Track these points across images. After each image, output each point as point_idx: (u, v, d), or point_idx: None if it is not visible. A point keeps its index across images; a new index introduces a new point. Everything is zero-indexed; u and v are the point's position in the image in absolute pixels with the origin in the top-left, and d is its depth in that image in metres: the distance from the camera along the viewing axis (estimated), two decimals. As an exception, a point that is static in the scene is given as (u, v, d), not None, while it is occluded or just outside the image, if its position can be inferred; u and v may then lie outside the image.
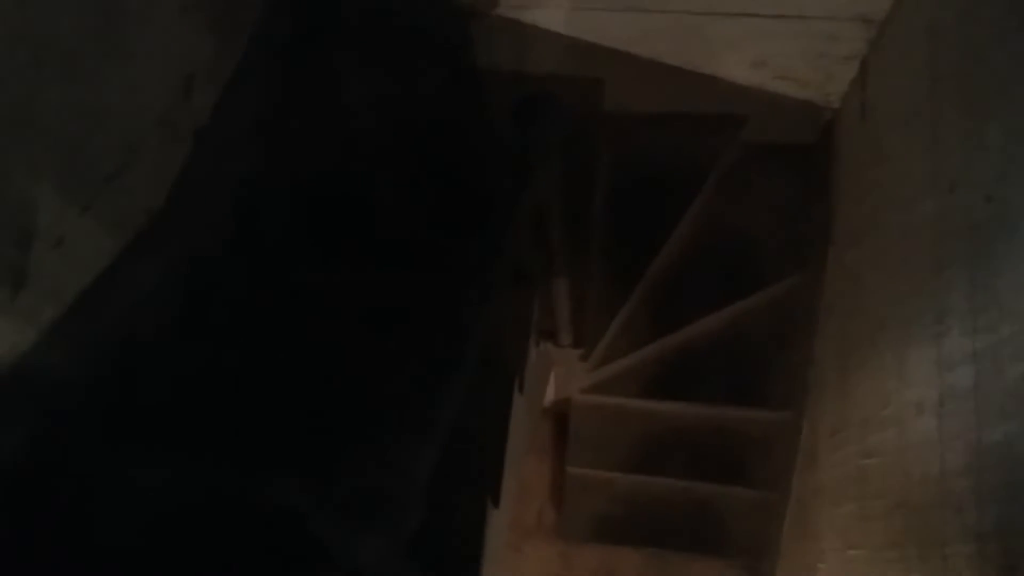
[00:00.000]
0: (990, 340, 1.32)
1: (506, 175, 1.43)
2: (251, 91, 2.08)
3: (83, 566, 0.99)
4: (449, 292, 1.16)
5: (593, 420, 2.75)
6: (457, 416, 0.98)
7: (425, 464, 0.84)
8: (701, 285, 2.62)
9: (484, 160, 1.91)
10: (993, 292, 1.32)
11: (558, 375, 2.74)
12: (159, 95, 1.82)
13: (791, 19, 2.16)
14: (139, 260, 1.68)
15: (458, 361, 0.99)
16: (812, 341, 2.40)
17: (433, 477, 1.01)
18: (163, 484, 1.17)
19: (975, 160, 1.44)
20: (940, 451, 1.48)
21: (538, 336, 2.23)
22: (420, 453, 0.84)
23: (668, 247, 2.60)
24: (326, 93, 2.20)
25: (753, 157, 2.64)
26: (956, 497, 1.41)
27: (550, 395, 2.86)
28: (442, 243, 1.63)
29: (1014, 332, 1.25)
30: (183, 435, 1.29)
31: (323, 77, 2.23)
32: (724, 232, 2.66)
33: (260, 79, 2.12)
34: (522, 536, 2.96)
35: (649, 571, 2.89)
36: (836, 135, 2.43)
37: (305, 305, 1.62)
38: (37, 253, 1.45)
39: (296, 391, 1.33)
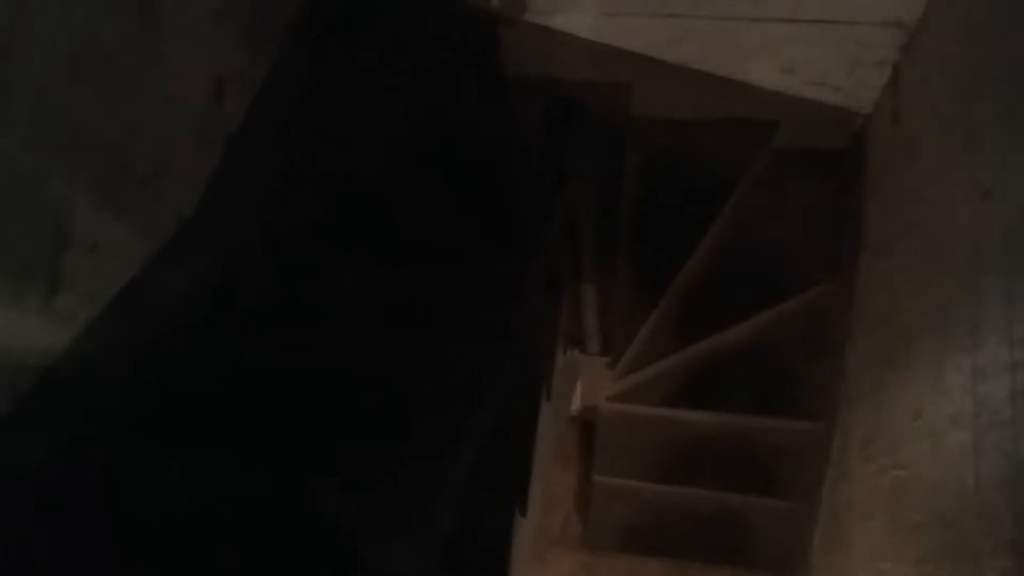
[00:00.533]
0: (1028, 351, 1.30)
1: (538, 181, 1.43)
2: (282, 98, 2.11)
3: (120, 565, 1.00)
4: (485, 296, 1.16)
5: (620, 428, 2.74)
6: (490, 421, 0.97)
7: (460, 470, 0.84)
8: (730, 293, 2.60)
9: (515, 166, 1.91)
10: (1031, 302, 1.29)
11: (585, 382, 2.72)
12: (192, 101, 1.84)
13: (822, 24, 2.14)
14: (172, 264, 1.70)
15: (494, 366, 0.99)
16: (844, 350, 2.36)
17: (465, 481, 1.01)
18: (199, 485, 1.18)
19: (1012, 168, 1.41)
20: (975, 464, 1.45)
21: (566, 343, 2.22)
22: (455, 459, 0.84)
23: (697, 254, 2.58)
24: (357, 99, 2.21)
25: (784, 163, 2.62)
26: (992, 510, 1.38)
27: (576, 403, 2.85)
28: (477, 248, 1.63)
29: (1053, 343, 1.23)
30: (218, 436, 1.30)
31: (354, 83, 2.25)
32: (754, 239, 2.63)
33: (291, 86, 2.14)
34: (547, 545, 2.94)
35: (676, 582, 2.86)
36: (868, 141, 2.40)
37: (340, 308, 1.63)
38: (72, 257, 1.47)
39: (331, 393, 1.34)
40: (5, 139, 1.29)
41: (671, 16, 2.21)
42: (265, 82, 2.06)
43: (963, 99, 1.66)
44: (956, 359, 1.56)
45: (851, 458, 2.21)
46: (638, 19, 2.24)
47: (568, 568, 2.94)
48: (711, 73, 2.38)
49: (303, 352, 1.47)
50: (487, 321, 1.10)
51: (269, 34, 2.12)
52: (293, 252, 1.81)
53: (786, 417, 2.56)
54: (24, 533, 1.09)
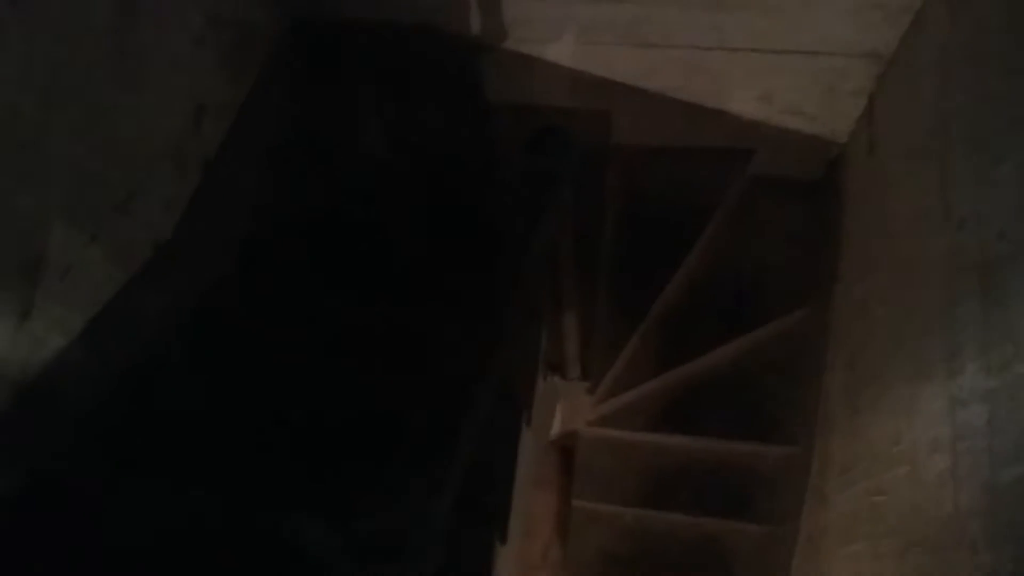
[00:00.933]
0: (1005, 378, 1.31)
1: (520, 209, 1.43)
2: (262, 124, 2.10)
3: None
4: (466, 327, 1.15)
5: (599, 453, 2.73)
6: (472, 455, 0.96)
7: (443, 506, 0.83)
8: (708, 319, 2.61)
9: (497, 194, 1.91)
10: (1007, 329, 1.31)
11: (564, 408, 2.72)
12: (170, 126, 1.83)
13: (799, 55, 2.17)
14: (147, 290, 1.68)
15: (475, 398, 0.98)
16: (821, 376, 2.38)
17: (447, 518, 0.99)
18: (175, 517, 1.16)
19: (987, 197, 1.43)
20: (954, 490, 1.46)
21: (545, 369, 2.22)
22: (439, 495, 0.83)
23: (675, 280, 2.59)
24: (338, 126, 2.21)
25: (760, 191, 2.65)
26: (970, 537, 1.39)
27: (556, 428, 2.84)
28: (457, 277, 1.62)
29: (1028, 370, 1.24)
30: (195, 467, 1.27)
31: (335, 111, 2.24)
32: (731, 266, 2.65)
33: (271, 112, 2.14)
34: (528, 571, 2.92)
35: (655, 608, 2.84)
36: (843, 170, 2.43)
37: (317, 339, 1.61)
38: (45, 282, 1.45)
39: (310, 427, 1.32)
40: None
41: (649, 46, 2.23)
42: (245, 109, 2.05)
43: (937, 129, 1.69)
44: (933, 386, 1.57)
45: (829, 483, 2.22)
46: (617, 48, 2.26)
47: (547, 596, 2.91)
48: (689, 101, 2.41)
49: (282, 384, 1.45)
50: (468, 352, 1.09)
51: (249, 62, 2.11)
52: (272, 281, 1.79)
53: (764, 442, 2.56)
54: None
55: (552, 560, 2.95)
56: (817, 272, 2.48)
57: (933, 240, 1.64)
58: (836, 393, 2.27)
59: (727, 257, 2.64)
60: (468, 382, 1.01)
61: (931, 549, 1.54)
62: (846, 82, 2.21)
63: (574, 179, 1.55)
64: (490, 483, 1.58)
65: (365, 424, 1.33)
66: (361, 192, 2.04)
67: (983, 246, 1.42)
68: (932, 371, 1.58)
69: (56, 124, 1.46)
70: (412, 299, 1.68)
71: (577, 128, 2.38)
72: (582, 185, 1.83)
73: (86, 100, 1.54)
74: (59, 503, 1.21)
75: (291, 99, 2.24)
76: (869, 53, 2.09)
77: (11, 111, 1.35)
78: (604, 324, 2.52)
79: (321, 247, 1.93)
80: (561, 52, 2.32)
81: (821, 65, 2.17)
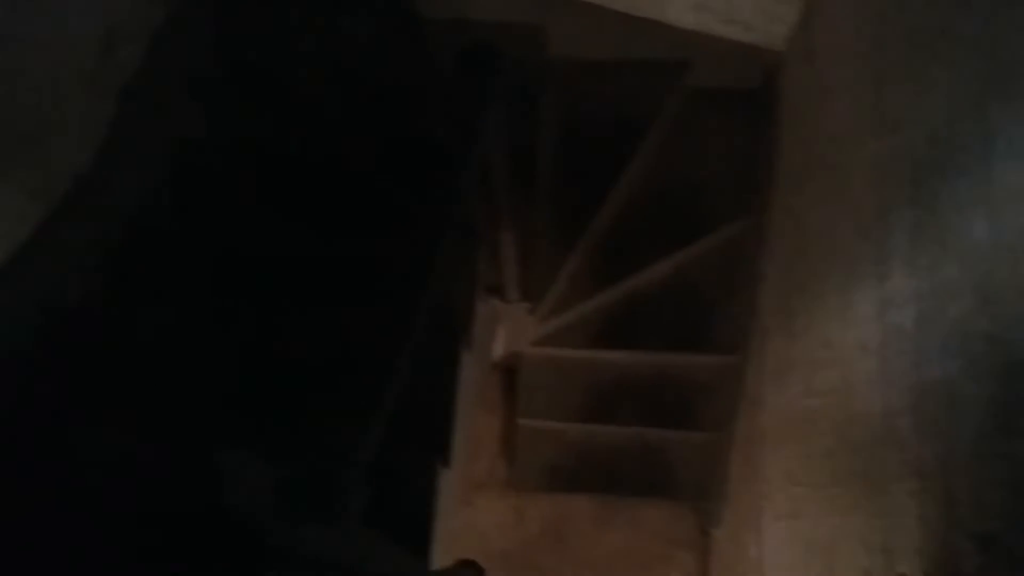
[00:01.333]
0: (932, 281, 1.34)
1: (451, 126, 1.38)
2: (181, 46, 1.98)
3: (12, 534, 0.94)
4: (397, 252, 1.12)
5: (543, 372, 2.75)
6: (404, 384, 0.95)
7: (369, 445, 0.81)
8: (648, 232, 2.62)
9: (429, 112, 1.85)
10: (935, 232, 1.33)
11: (506, 329, 2.72)
12: (78, 52, 1.71)
13: (733, -40, 2.13)
14: (66, 226, 1.60)
15: (409, 322, 0.96)
16: (757, 285, 2.42)
17: (381, 443, 0.98)
18: (99, 452, 1.13)
19: (920, 101, 1.44)
20: (883, 390, 1.51)
21: (484, 291, 2.20)
22: (364, 433, 0.81)
23: (614, 195, 2.58)
24: (263, 48, 2.10)
25: (699, 102, 2.63)
26: (899, 435, 1.44)
27: (498, 350, 2.84)
28: (390, 199, 1.58)
29: (955, 272, 1.26)
30: (118, 402, 1.23)
31: (260, 32, 2.13)
32: (671, 179, 2.65)
33: (190, 33, 2.02)
34: (474, 490, 2.97)
35: (601, 517, 2.93)
36: (780, 78, 2.42)
37: (248, 269, 1.56)
38: (-47, 221, 1.36)
39: (237, 359, 1.29)
40: None
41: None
42: (160, 29, 1.93)
43: (873, 34, 1.68)
44: (864, 290, 1.60)
45: (765, 389, 2.28)
46: (549, -44, 2.19)
47: (496, 511, 2.97)
48: (625, 12, 2.35)
49: (208, 319, 1.41)
50: (402, 275, 1.06)
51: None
52: (199, 211, 1.72)
53: (703, 352, 2.62)
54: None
55: (498, 478, 3.00)
56: (755, 182, 2.49)
57: (866, 145, 1.64)
58: (771, 301, 2.31)
59: (666, 170, 2.63)
60: (403, 305, 0.98)
61: (860, 447, 1.60)
62: (782, -12, 2.18)
63: (507, 95, 1.51)
64: (431, 408, 1.58)
65: (299, 358, 1.30)
66: (290, 117, 1.96)
67: (914, 150, 1.43)
68: (863, 275, 1.61)
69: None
70: (345, 226, 1.64)
71: (511, 42, 2.32)
72: (516, 101, 1.79)
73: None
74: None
75: (212, 21, 2.11)
76: (803, -43, 2.06)
77: None
78: (543, 243, 2.50)
79: (251, 177, 1.85)
80: (492, -38, 2.24)
81: (756, -29, 2.13)
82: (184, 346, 1.34)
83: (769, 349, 2.28)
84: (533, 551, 2.94)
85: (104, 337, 1.34)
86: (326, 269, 1.48)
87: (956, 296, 1.26)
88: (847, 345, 1.69)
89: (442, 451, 1.53)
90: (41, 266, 1.53)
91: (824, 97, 2.03)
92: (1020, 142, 1.11)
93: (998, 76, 1.17)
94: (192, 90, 1.94)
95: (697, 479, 2.76)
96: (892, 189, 1.51)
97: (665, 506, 2.91)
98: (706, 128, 2.65)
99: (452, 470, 1.62)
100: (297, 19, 2.18)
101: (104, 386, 1.21)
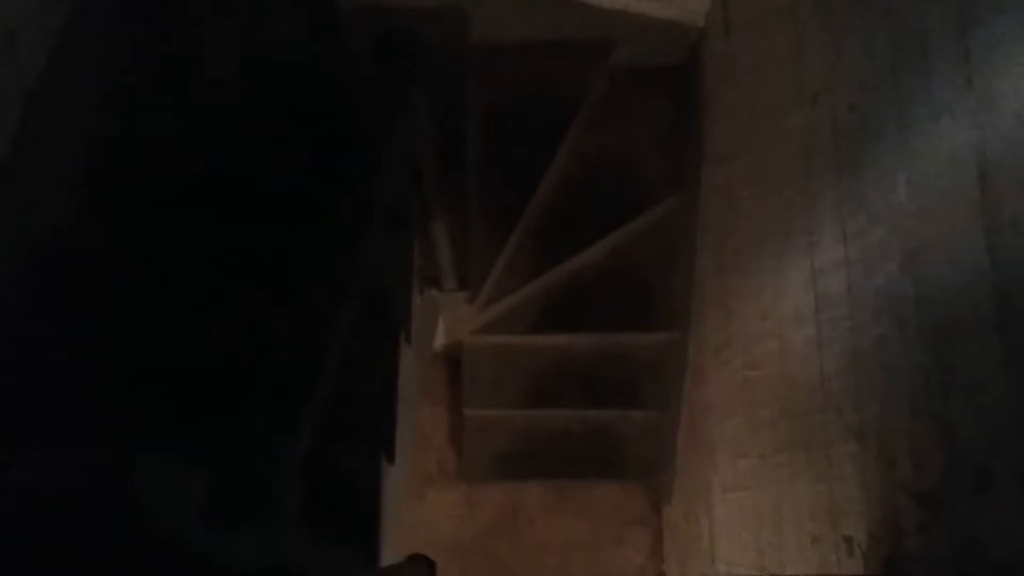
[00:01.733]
0: (860, 246, 1.36)
1: (370, 114, 1.35)
2: (89, 47, 1.89)
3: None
4: (319, 244, 1.08)
5: (486, 360, 2.74)
6: (337, 380, 0.91)
7: (298, 444, 0.78)
8: (583, 215, 2.61)
9: (348, 102, 1.81)
10: (860, 198, 1.34)
11: (446, 320, 2.69)
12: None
13: (650, -64, 2.13)
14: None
15: (332, 322, 0.93)
16: (692, 261, 2.44)
17: (322, 441, 0.95)
18: (20, 463, 1.07)
19: (837, 71, 1.45)
20: (819, 357, 1.53)
21: (421, 283, 2.17)
22: (291, 432, 0.78)
23: (547, 179, 2.57)
24: (177, 45, 2.03)
25: (626, 81, 2.62)
26: (836, 400, 1.47)
27: (440, 340, 2.82)
28: (310, 191, 1.54)
29: (881, 237, 1.28)
30: (37, 410, 1.18)
31: (171, 28, 2.05)
32: (602, 159, 2.65)
33: (98, 33, 1.93)
34: (424, 483, 2.94)
35: (553, 502, 2.93)
36: (702, 54, 2.44)
37: (167, 269, 1.51)
38: None
39: (153, 367, 1.24)
40: None
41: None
42: (65, 30, 1.84)
43: (789, 6, 1.69)
44: (797, 260, 1.62)
45: (706, 363, 2.30)
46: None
47: (448, 503, 2.95)
48: (548, -7, 2.33)
49: (127, 320, 1.35)
50: (326, 266, 1.03)
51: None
52: (115, 214, 1.65)
53: (645, 330, 2.63)
54: None
55: (448, 470, 2.98)
56: (684, 158, 2.51)
57: (790, 117, 1.66)
58: (708, 276, 2.33)
59: (597, 151, 2.63)
60: (326, 301, 0.95)
61: (800, 415, 1.62)
62: (699, -37, 2.18)
63: (427, 80, 1.47)
64: (372, 404, 1.54)
65: (221, 358, 1.26)
66: (208, 113, 1.89)
67: (835, 119, 1.45)
68: (794, 246, 1.63)
69: None
70: (265, 220, 1.59)
71: (431, 28, 2.28)
72: (440, 87, 1.75)
73: None
74: None
75: (120, 18, 2.02)
76: (719, -69, 2.07)
77: None
78: (478, 231, 2.48)
79: (167, 175, 1.78)
80: (408, -53, 2.19)
81: (673, -54, 2.14)
82: (102, 352, 1.28)
83: (708, 323, 2.30)
84: (487, 541, 2.93)
85: (18, 346, 1.28)
86: (247, 266, 1.43)
87: (884, 260, 1.28)
88: (783, 315, 1.71)
89: (386, 447, 1.50)
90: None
91: (744, 70, 2.05)
92: (933, 105, 1.13)
93: (908, 42, 1.19)
94: (103, 89, 1.86)
95: (646, 457, 2.78)
96: (816, 159, 1.53)
97: (616, 486, 2.93)
98: (635, 106, 2.66)
99: (398, 466, 1.59)
100: (211, 15, 2.11)
101: (21, 399, 1.15)
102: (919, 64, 1.16)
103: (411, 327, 1.80)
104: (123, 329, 1.33)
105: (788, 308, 1.68)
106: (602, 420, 2.79)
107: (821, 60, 1.52)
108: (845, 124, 1.41)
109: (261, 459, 0.73)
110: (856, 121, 1.37)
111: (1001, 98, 0.99)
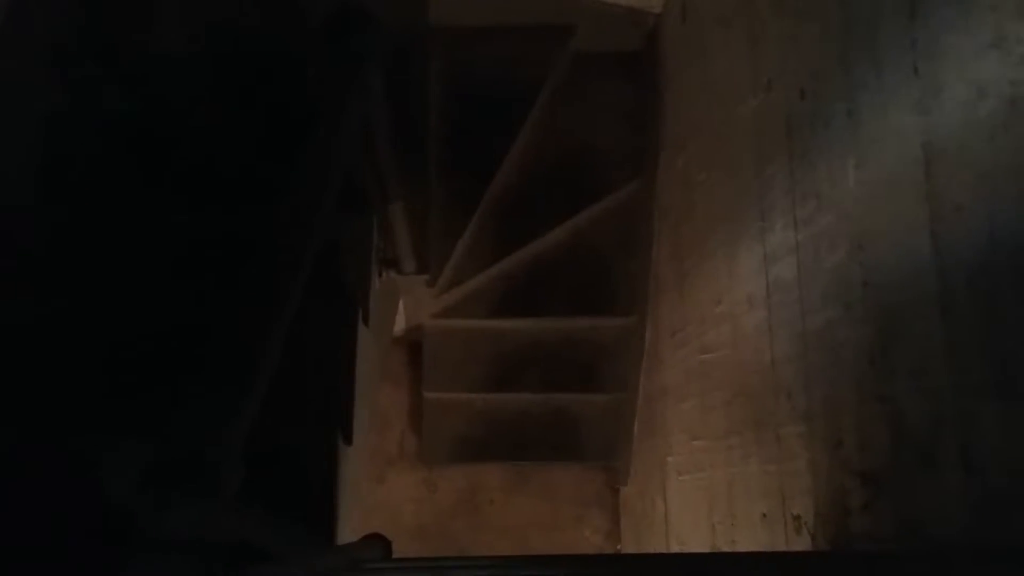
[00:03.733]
0: (810, 232, 1.38)
1: (322, 90, 1.33)
2: (40, 19, 1.84)
3: None
4: (270, 222, 1.07)
5: (446, 344, 2.74)
6: (292, 361, 0.91)
7: (242, 418, 0.77)
8: (544, 199, 2.62)
9: (302, 80, 1.79)
10: (811, 184, 1.37)
11: (407, 303, 2.69)
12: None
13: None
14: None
15: (278, 299, 0.92)
16: (651, 246, 2.46)
17: (278, 420, 0.94)
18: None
19: (790, 57, 1.47)
20: (770, 341, 1.56)
21: (380, 265, 2.16)
22: (235, 408, 0.77)
23: (508, 162, 2.57)
24: (129, 18, 1.98)
25: (584, 67, 2.63)
26: (786, 382, 1.50)
27: (400, 324, 2.81)
28: (262, 169, 1.52)
29: (830, 222, 1.31)
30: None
31: (121, 2, 2.01)
32: (562, 144, 2.65)
33: (46, 7, 1.88)
34: (384, 466, 2.95)
35: (513, 484, 2.96)
36: (660, 40, 2.45)
37: (120, 248, 1.48)
38: None
39: (102, 345, 1.22)
40: None
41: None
42: (14, 3, 1.79)
43: (743, -7, 1.71)
44: (749, 244, 1.65)
45: (663, 347, 2.33)
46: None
47: (408, 485, 2.96)
48: (506, -25, 2.32)
49: (74, 299, 1.33)
50: (275, 247, 1.02)
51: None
52: (67, 193, 1.62)
53: (604, 315, 2.65)
54: None
55: (408, 452, 2.98)
56: (643, 144, 2.53)
57: (744, 103, 1.68)
58: (664, 260, 2.36)
59: (557, 135, 2.64)
60: (274, 277, 0.95)
61: (752, 397, 1.65)
62: (658, -51, 2.19)
63: (381, 58, 1.46)
64: (329, 385, 1.54)
65: (167, 336, 1.25)
66: (158, 89, 1.86)
67: (788, 105, 1.47)
68: (747, 231, 1.66)
69: None
70: (215, 199, 1.57)
71: (392, 10, 2.26)
72: (396, 66, 1.74)
73: None
74: None
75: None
76: (678, -83, 2.08)
77: None
78: (438, 213, 2.47)
79: (122, 151, 1.75)
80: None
81: (633, -69, 2.14)
82: (49, 330, 1.26)
83: (665, 308, 2.33)
84: (447, 522, 2.94)
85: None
86: (197, 244, 1.42)
87: (832, 245, 1.31)
88: (736, 300, 1.74)
89: (342, 428, 1.50)
90: None
91: (701, 57, 2.06)
92: (881, 92, 1.15)
93: (859, 30, 1.21)
94: (54, 63, 1.82)
95: (604, 440, 2.81)
96: (769, 145, 1.55)
97: (575, 468, 2.96)
98: (594, 92, 2.66)
99: (356, 448, 1.59)
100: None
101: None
102: (869, 52, 1.18)
103: (369, 309, 1.80)
104: (70, 307, 1.31)
105: (741, 292, 1.70)
106: (562, 403, 2.81)
107: (776, 47, 1.54)
108: (797, 111, 1.43)
109: (203, 432, 0.73)
110: (808, 108, 1.39)
111: (946, 86, 1.01)
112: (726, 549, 1.79)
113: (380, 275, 2.15)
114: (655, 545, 2.40)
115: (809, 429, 1.41)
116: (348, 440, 1.55)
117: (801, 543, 1.44)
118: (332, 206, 1.12)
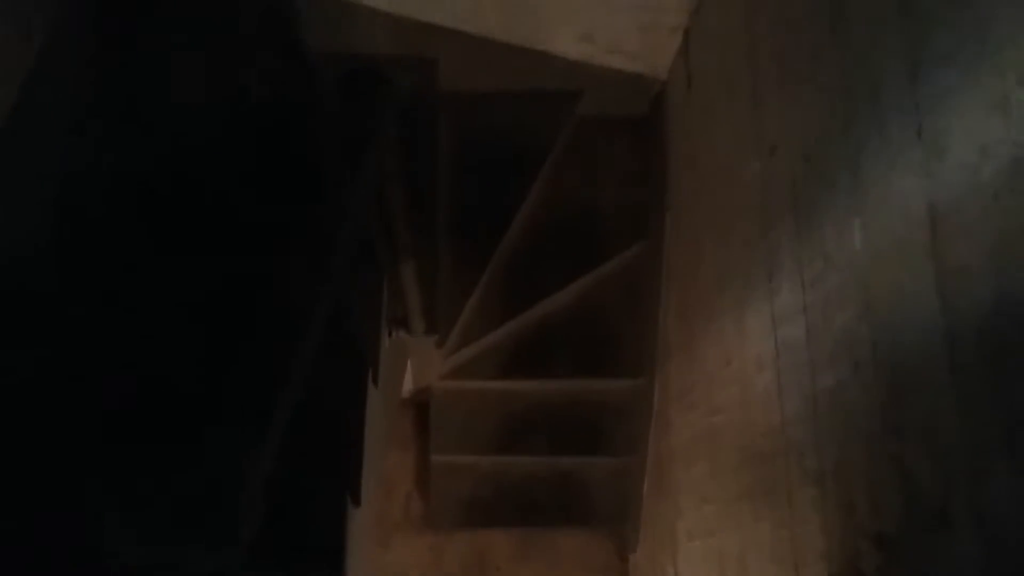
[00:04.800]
0: (817, 293, 1.39)
1: (337, 153, 1.37)
2: (60, 83, 1.90)
3: None
4: (286, 278, 1.09)
5: (454, 406, 2.73)
6: (304, 422, 0.91)
7: (259, 465, 0.77)
8: (551, 260, 2.65)
9: (317, 141, 1.83)
10: (817, 245, 1.38)
11: (415, 364, 2.69)
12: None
13: (618, -7, 2.20)
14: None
15: (295, 352, 0.93)
16: (658, 307, 2.47)
17: (287, 479, 0.94)
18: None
19: (793, 122, 1.50)
20: (780, 402, 1.55)
21: (390, 325, 2.17)
22: (253, 454, 0.77)
23: (516, 224, 2.60)
24: (149, 81, 2.04)
25: (592, 130, 2.68)
26: (797, 444, 1.48)
27: (408, 385, 2.81)
28: (280, 227, 1.55)
29: (838, 283, 1.32)
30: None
31: (143, 65, 2.07)
32: (569, 206, 2.69)
33: (69, 70, 1.94)
34: (390, 530, 2.90)
35: (520, 550, 2.91)
36: (666, 105, 2.50)
37: (136, 303, 1.50)
38: None
39: (125, 388, 1.23)
40: None
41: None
42: (35, 67, 1.85)
43: (748, 60, 1.75)
44: (757, 306, 1.65)
45: (671, 409, 2.32)
46: (436, -10, 2.21)
47: (413, 551, 2.91)
48: (514, 44, 2.39)
49: (101, 352, 1.34)
50: (291, 302, 1.04)
51: (38, 11, 1.89)
52: (82, 246, 1.65)
53: (612, 377, 2.65)
54: None
55: (414, 516, 2.94)
56: (649, 206, 2.56)
57: (749, 167, 1.71)
58: (672, 322, 2.36)
59: (565, 197, 2.68)
60: (290, 334, 0.96)
61: (763, 460, 1.64)
62: (663, 18, 2.25)
63: (393, 120, 1.50)
64: (338, 445, 1.54)
65: (184, 387, 1.26)
66: (177, 146, 1.90)
67: (792, 169, 1.49)
68: (755, 292, 1.67)
69: None
70: (235, 253, 1.60)
71: (405, 75, 2.32)
72: (408, 128, 1.78)
73: None
74: None
75: (91, 55, 2.04)
76: (681, -11, 2.15)
77: None
78: (447, 273, 2.49)
79: (140, 209, 1.79)
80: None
81: (637, 2, 2.20)
82: (71, 378, 1.27)
83: (673, 370, 2.32)
84: (452, 589, 2.89)
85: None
86: (214, 297, 1.44)
87: (841, 306, 1.32)
88: (745, 361, 1.74)
89: (351, 489, 1.49)
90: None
91: (706, 122, 2.11)
92: (885, 154, 1.17)
93: (860, 92, 1.24)
94: (72, 122, 1.87)
95: (613, 505, 2.77)
96: (775, 207, 1.57)
97: (582, 534, 2.91)
98: (601, 154, 2.71)
99: (364, 509, 1.58)
100: (184, 52, 2.13)
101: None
102: (871, 115, 1.21)
103: (379, 370, 1.81)
104: (92, 353, 1.32)
105: (749, 353, 1.70)
106: (569, 467, 2.79)
107: (778, 112, 1.57)
108: (801, 174, 1.45)
109: (220, 481, 0.73)
110: (812, 170, 1.41)
111: (949, 148, 1.03)
112: (739, 616, 1.75)
113: (390, 334, 2.16)
114: (666, 613, 2.35)
115: (821, 491, 1.39)
116: (356, 501, 1.54)
117: (816, 609, 1.41)
118: (346, 262, 1.14)
